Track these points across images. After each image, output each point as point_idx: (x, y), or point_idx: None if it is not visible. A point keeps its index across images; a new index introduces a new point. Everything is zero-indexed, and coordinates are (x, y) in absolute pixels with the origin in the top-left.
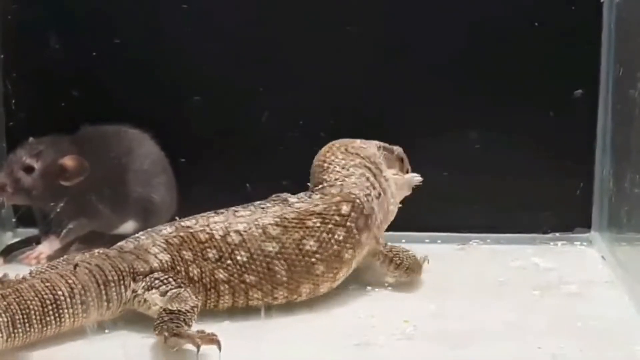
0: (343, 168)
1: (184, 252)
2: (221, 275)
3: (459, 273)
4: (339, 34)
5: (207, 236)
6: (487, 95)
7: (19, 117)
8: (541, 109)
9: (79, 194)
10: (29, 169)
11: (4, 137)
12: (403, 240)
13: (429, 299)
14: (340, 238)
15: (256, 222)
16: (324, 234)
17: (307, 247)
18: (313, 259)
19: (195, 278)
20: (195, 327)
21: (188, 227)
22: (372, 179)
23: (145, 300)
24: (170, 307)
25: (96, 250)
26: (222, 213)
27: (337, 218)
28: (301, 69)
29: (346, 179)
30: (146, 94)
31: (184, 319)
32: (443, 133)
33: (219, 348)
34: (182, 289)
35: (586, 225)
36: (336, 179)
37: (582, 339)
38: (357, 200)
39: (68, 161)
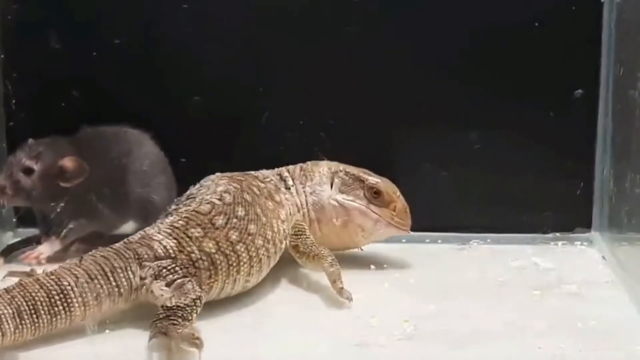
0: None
1: (192, 231)
2: (234, 236)
3: (459, 273)
4: (339, 34)
5: (209, 207)
6: (487, 95)
7: (19, 117)
8: (541, 109)
9: (79, 194)
10: (28, 171)
11: (4, 137)
12: (403, 240)
13: (429, 299)
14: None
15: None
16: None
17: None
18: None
19: (213, 250)
20: (198, 324)
21: (187, 209)
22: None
23: (151, 291)
24: (168, 304)
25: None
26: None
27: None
28: (301, 69)
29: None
30: (146, 94)
31: (182, 315)
32: (443, 133)
33: (199, 353)
34: (187, 280)
35: (586, 225)
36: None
37: (582, 339)
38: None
39: (67, 163)
